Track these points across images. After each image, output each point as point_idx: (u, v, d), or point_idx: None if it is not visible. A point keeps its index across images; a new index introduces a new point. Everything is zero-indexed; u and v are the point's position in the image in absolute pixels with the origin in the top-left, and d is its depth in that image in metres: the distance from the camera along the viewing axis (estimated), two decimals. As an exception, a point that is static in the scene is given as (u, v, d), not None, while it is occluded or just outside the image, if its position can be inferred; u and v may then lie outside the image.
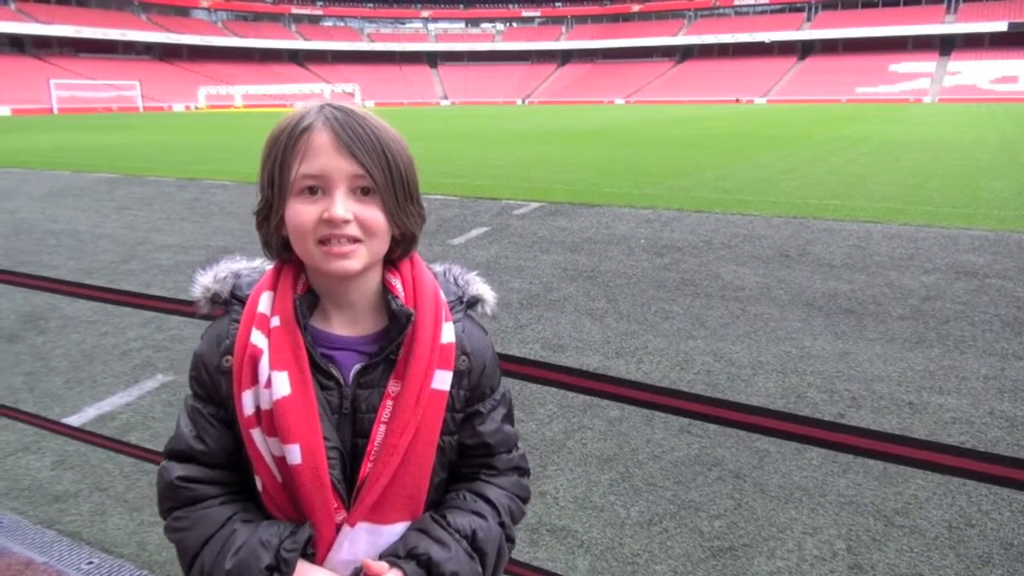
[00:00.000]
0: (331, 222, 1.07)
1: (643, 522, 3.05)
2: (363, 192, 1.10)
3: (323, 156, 1.07)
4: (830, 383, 4.44)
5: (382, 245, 1.14)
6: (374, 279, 1.18)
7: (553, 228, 9.28)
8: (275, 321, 1.14)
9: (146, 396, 4.36)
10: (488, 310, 1.28)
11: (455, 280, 1.28)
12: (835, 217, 9.65)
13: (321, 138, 1.08)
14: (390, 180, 1.10)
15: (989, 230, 8.71)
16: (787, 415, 1.75)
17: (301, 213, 1.09)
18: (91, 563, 2.76)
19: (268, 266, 1.22)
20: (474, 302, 1.27)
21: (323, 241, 1.09)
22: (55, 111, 59.66)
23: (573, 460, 3.55)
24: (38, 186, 13.79)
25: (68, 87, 63.20)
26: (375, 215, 1.10)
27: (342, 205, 1.07)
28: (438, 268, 1.29)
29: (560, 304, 6.07)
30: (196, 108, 68.32)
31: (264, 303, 1.16)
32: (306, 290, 1.17)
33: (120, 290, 2.91)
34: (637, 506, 3.17)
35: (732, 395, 4.26)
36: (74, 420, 3.99)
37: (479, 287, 1.28)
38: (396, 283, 1.19)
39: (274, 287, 1.17)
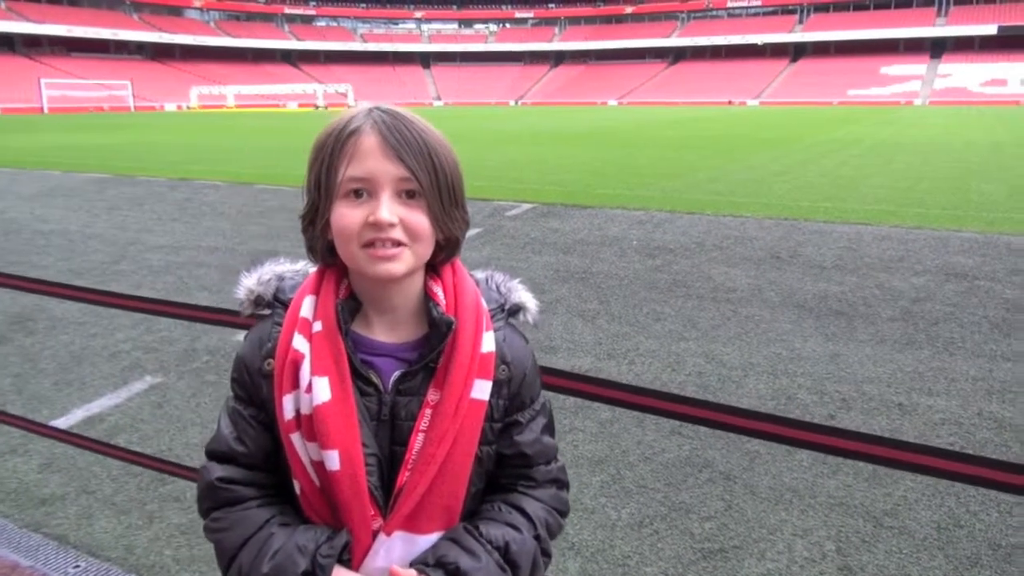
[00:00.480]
0: (376, 225, 1.07)
1: (634, 524, 3.05)
2: (408, 196, 1.10)
3: (370, 159, 1.07)
4: (820, 384, 4.45)
5: (426, 249, 1.13)
6: (416, 284, 1.18)
7: (545, 229, 9.28)
8: (317, 326, 1.14)
9: (135, 398, 4.33)
10: (530, 319, 1.28)
11: (497, 288, 1.27)
12: (826, 219, 9.68)
13: (368, 141, 1.08)
14: (436, 184, 1.10)
15: (979, 232, 8.75)
16: (778, 418, 1.75)
17: (346, 216, 1.08)
18: (78, 567, 2.74)
19: (311, 269, 1.22)
20: (516, 310, 1.27)
21: (368, 244, 1.09)
22: (45, 110, 59.35)
23: (564, 462, 3.54)
24: (28, 186, 13.71)
25: (59, 86, 62.89)
26: (420, 219, 1.10)
27: (388, 208, 1.07)
28: (480, 275, 1.28)
29: (552, 306, 6.07)
30: (188, 108, 68.08)
31: (307, 307, 1.16)
32: (348, 295, 1.17)
33: (110, 292, 2.90)
34: (628, 508, 3.17)
35: (723, 396, 4.26)
36: (62, 422, 3.96)
37: (521, 295, 1.28)
38: (438, 290, 1.19)
39: (317, 291, 1.17)
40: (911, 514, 3.10)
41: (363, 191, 1.08)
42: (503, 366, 1.20)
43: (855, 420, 3.95)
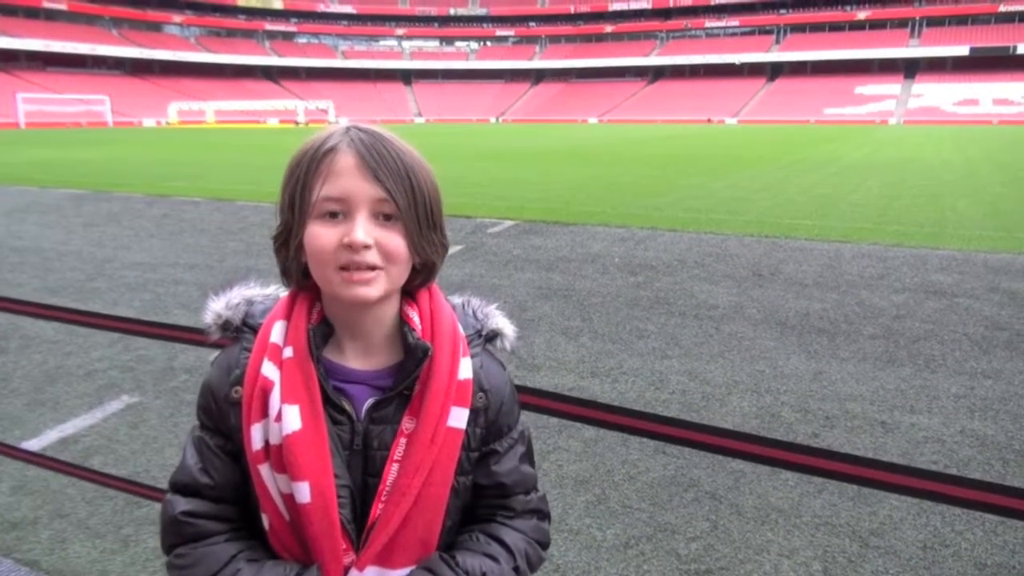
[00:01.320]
0: (351, 247, 1.03)
1: (619, 545, 3.02)
2: (385, 217, 1.06)
3: (346, 178, 1.04)
4: (804, 402, 4.45)
5: (402, 273, 1.10)
6: (391, 309, 1.15)
7: (527, 247, 9.28)
8: (288, 352, 1.10)
9: (110, 418, 4.25)
10: (507, 345, 1.25)
11: (474, 313, 1.24)
12: (807, 236, 9.76)
13: (345, 160, 1.05)
14: (413, 206, 1.07)
15: (956, 250, 8.86)
16: (762, 439, 1.73)
17: (321, 237, 1.05)
18: (50, 594, 2.66)
19: (282, 293, 1.19)
20: (493, 336, 1.24)
21: (343, 268, 1.05)
22: (22, 125, 58.74)
23: (548, 482, 3.51)
24: (3, 202, 13.51)
25: (36, 101, 62.30)
26: (397, 242, 1.07)
27: (363, 229, 1.04)
28: (457, 300, 1.25)
29: (535, 323, 6.05)
30: (167, 124, 67.69)
31: (277, 333, 1.12)
32: (320, 320, 1.13)
33: (85, 311, 2.83)
34: (613, 529, 3.13)
35: (707, 415, 4.25)
36: (35, 443, 3.87)
37: (499, 321, 1.25)
38: (413, 315, 1.15)
39: (288, 316, 1.13)
40: (897, 533, 3.09)
41: (338, 211, 1.05)
42: (480, 393, 1.17)
43: (839, 438, 3.95)
